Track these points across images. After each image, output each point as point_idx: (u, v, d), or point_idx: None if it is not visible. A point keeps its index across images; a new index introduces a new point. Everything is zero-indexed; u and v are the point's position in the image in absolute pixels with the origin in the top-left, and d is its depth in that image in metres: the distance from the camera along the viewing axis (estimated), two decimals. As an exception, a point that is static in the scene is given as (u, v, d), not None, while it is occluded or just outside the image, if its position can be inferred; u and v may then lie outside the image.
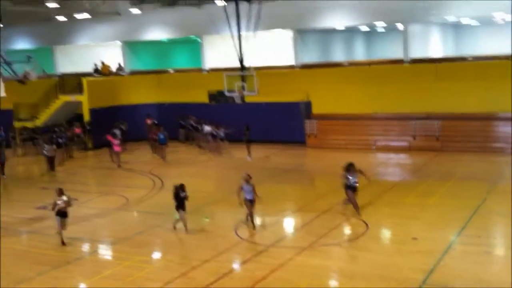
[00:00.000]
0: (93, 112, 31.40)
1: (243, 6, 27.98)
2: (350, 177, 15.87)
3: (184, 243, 14.58)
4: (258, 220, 15.65)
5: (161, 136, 26.66)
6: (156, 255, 14.35)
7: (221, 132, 26.53)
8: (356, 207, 16.01)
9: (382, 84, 27.79)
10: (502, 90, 25.10)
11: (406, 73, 28.08)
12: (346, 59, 37.25)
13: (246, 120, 27.70)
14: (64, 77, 35.08)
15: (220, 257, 13.35)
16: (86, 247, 14.57)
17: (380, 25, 36.95)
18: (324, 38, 36.48)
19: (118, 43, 37.99)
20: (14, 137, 30.84)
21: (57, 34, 39.64)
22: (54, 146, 25.58)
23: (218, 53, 35.34)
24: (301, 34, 32.49)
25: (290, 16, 31.13)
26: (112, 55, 38.21)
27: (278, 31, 33.03)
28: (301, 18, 31.03)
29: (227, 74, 28.02)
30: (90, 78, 32.97)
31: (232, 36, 28.25)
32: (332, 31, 35.61)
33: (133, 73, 36.79)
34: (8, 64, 24.26)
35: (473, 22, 38.55)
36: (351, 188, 15.92)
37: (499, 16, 32.01)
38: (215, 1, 28.84)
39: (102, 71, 35.65)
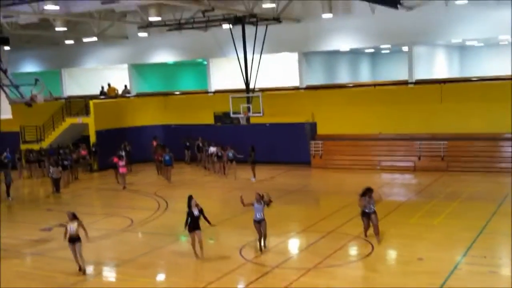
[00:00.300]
0: (99, 134, 31.59)
1: (249, 29, 28.28)
2: (366, 203, 15.37)
3: (188, 264, 14.52)
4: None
5: (167, 158, 26.74)
6: (160, 277, 14.30)
7: (230, 153, 26.54)
8: (365, 230, 15.72)
9: (387, 105, 27.86)
10: (506, 111, 25.09)
11: (411, 94, 28.15)
12: (351, 81, 37.43)
13: (252, 141, 27.79)
14: (71, 99, 35.37)
15: (225, 278, 13.29)
16: (90, 269, 14.53)
17: (385, 47, 37.14)
18: (329, 59, 36.69)
19: (125, 66, 38.33)
20: (20, 158, 31.01)
21: (65, 57, 40.09)
22: (60, 168, 25.70)
23: (224, 75, 35.64)
24: (306, 56, 32.71)
25: (295, 39, 31.39)
26: (119, 78, 38.59)
27: (283, 54, 33.27)
28: (306, 40, 31.29)
29: (232, 95, 28.22)
30: (97, 100, 33.22)
31: (238, 58, 28.52)
32: (337, 52, 35.82)
33: (140, 95, 37.06)
34: (16, 86, 24.46)
35: (477, 43, 38.70)
36: (365, 215, 15.49)
37: (504, 38, 32.14)
38: (222, 24, 29.12)
39: (109, 93, 35.92)
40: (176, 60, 37.01)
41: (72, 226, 13.97)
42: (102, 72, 40.63)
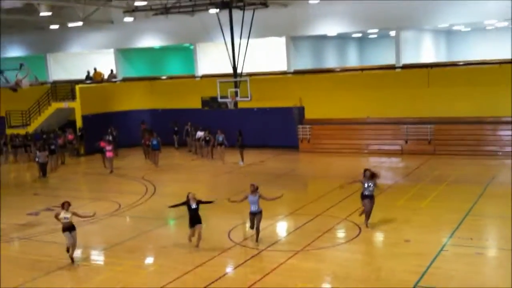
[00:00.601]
0: (86, 118, 31.37)
1: (236, 13, 28.07)
2: (366, 185, 14.97)
3: (176, 248, 14.51)
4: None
5: (154, 142, 26.64)
6: (149, 260, 14.28)
7: (220, 137, 26.42)
8: (367, 217, 15.19)
9: (374, 89, 27.92)
10: (493, 95, 25.35)
11: (398, 79, 28.23)
12: (339, 65, 37.39)
13: (239, 125, 27.75)
14: (57, 84, 35.05)
15: (213, 261, 13.32)
16: (78, 253, 14.47)
17: (372, 32, 37.12)
18: (317, 44, 36.59)
19: (111, 50, 37.98)
20: (5, 143, 30.75)
21: (50, 42, 39.62)
22: (46, 153, 25.52)
23: (211, 59, 35.42)
24: (294, 40, 32.59)
25: (283, 23, 31.25)
26: (105, 63, 38.21)
27: (271, 38, 33.12)
28: (294, 25, 31.16)
29: (220, 80, 28.09)
30: (83, 85, 32.95)
31: (225, 43, 28.33)
32: (325, 37, 35.74)
33: (126, 79, 36.78)
34: (0, 71, 24.21)
35: (464, 28, 38.80)
36: (367, 197, 15.04)
37: (490, 22, 32.26)
38: (208, 9, 28.89)
39: (95, 78, 35.64)
40: (163, 44, 36.72)
41: (66, 216, 13.64)
42: (88, 57, 40.23)
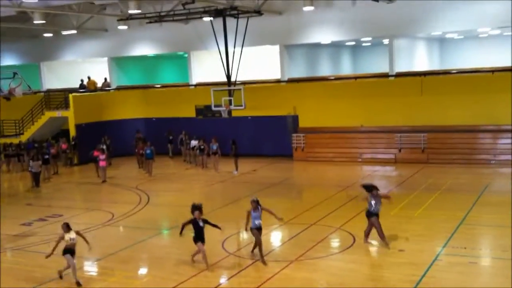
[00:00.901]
0: (79, 127, 31.28)
1: (230, 21, 28.14)
2: (373, 202, 14.26)
3: (170, 258, 14.45)
4: (245, 234, 15.34)
5: (148, 151, 26.59)
6: (142, 270, 14.20)
7: (214, 146, 26.39)
8: (383, 237, 14.38)
9: (368, 97, 28.00)
10: (486, 103, 25.42)
11: (392, 87, 28.31)
12: (333, 73, 37.49)
13: (233, 134, 27.77)
14: (50, 92, 34.97)
15: (207, 271, 13.25)
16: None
17: (366, 40, 37.25)
18: (311, 52, 36.68)
19: (105, 59, 37.95)
20: (-1, 153, 30.65)
21: (44, 50, 39.59)
22: (40, 162, 25.40)
23: (205, 68, 35.46)
24: (288, 48, 32.66)
25: (277, 31, 31.31)
26: (99, 71, 38.19)
27: (265, 46, 33.19)
28: (288, 33, 31.23)
29: (214, 89, 28.10)
30: (76, 94, 32.88)
31: (219, 51, 28.37)
32: (319, 45, 35.84)
33: (120, 88, 36.75)
34: (-6, 80, 24.19)
35: (458, 36, 38.98)
36: (370, 215, 14.32)
37: (483, 30, 32.42)
38: (202, 17, 28.95)
39: (88, 87, 35.57)
40: (157, 53, 36.74)
41: (72, 237, 12.92)
42: (81, 65, 40.19)
